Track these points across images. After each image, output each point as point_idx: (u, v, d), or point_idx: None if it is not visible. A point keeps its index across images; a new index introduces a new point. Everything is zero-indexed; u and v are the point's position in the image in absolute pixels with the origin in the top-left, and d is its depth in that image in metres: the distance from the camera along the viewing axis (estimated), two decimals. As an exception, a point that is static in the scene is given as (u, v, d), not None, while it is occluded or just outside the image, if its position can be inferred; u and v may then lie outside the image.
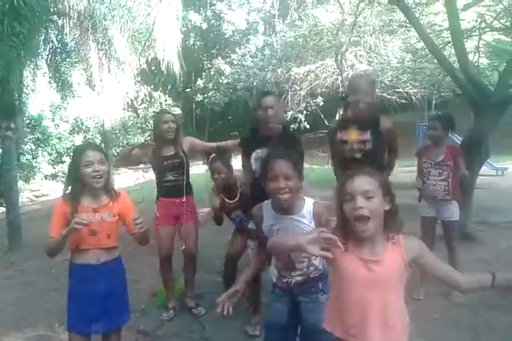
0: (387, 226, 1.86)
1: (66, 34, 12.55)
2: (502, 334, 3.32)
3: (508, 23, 7.57)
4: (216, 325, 3.84)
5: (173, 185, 4.22)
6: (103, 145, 16.00)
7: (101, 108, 14.26)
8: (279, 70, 21.22)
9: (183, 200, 4.21)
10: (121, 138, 21.16)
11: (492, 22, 7.77)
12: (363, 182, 1.83)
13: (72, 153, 3.02)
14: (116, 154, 15.68)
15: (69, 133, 19.74)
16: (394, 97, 19.99)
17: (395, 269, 1.82)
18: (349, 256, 1.84)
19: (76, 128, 20.18)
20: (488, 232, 6.16)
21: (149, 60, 16.89)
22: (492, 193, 9.34)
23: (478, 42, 8.68)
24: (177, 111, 23.67)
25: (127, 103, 20.40)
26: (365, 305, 1.79)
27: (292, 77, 20.67)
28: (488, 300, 3.80)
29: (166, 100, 23.83)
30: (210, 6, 24.05)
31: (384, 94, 20.15)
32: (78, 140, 19.63)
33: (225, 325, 3.72)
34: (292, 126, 22.09)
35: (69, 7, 12.04)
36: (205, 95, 23.57)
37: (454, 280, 1.85)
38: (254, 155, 3.66)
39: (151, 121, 22.95)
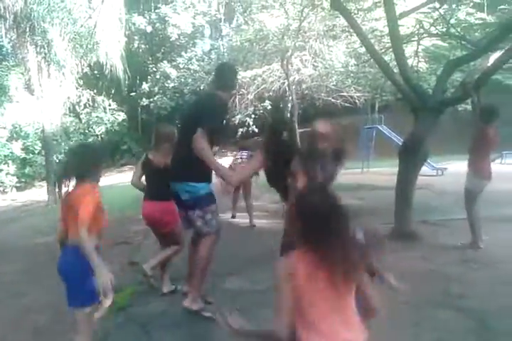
0: None
1: (1, 36, 11.98)
2: (445, 330, 3.39)
3: (445, 29, 7.87)
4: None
5: None
6: (43, 152, 15.39)
7: (41, 113, 13.64)
8: (226, 74, 21.17)
9: None
10: (63, 144, 20.39)
11: (429, 28, 8.05)
12: None
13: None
14: (57, 161, 15.06)
15: (6, 140, 18.84)
16: (339, 101, 20.43)
17: None
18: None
19: (14, 135, 19.29)
20: (428, 230, 6.34)
21: (92, 64, 16.41)
22: (432, 193, 9.67)
23: (417, 48, 9.00)
24: (122, 115, 23.13)
25: (69, 108, 19.72)
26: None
27: (239, 80, 20.68)
28: (431, 298, 3.88)
29: (110, 105, 23.21)
30: (154, 9, 23.70)
31: (329, 98, 20.56)
32: (16, 147, 18.76)
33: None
34: (241, 129, 22.14)
35: (4, 8, 11.51)
36: (151, 99, 23.19)
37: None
38: None
39: (95, 126, 22.52)
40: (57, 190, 2.90)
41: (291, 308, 1.74)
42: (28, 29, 12.37)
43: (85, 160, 2.86)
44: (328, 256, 1.71)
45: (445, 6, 8.56)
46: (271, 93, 20.87)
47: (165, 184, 3.87)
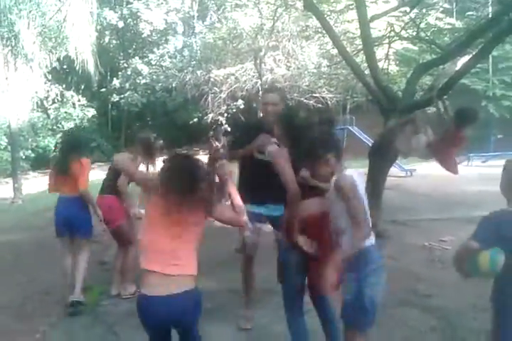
0: None
1: (-35, 27, 11.58)
2: (411, 329, 3.45)
3: (415, 33, 8.02)
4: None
5: None
6: (9, 147, 14.96)
7: (7, 108, 13.24)
8: (198, 72, 21.09)
9: None
10: (30, 140, 19.85)
11: (400, 31, 8.19)
12: None
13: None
14: (24, 157, 14.68)
15: (-30, 135, 18.24)
16: (311, 102, 20.57)
17: None
18: None
19: (-22, 130, 18.68)
20: (397, 230, 6.46)
21: (61, 58, 16.03)
22: (401, 193, 9.86)
23: (388, 50, 9.14)
24: (91, 111, 22.69)
25: (36, 103, 19.19)
26: None
27: (212, 79, 20.63)
28: (398, 296, 3.95)
29: (79, 100, 22.70)
30: (126, 5, 23.32)
31: (302, 99, 20.70)
32: (-20, 143, 18.18)
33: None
34: (213, 128, 22.06)
35: (-32, -2, 11.15)
36: (122, 95, 22.83)
37: None
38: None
39: (63, 122, 22.00)
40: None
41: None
42: (-7, 21, 12.02)
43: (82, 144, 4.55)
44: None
45: (415, 11, 8.70)
46: (244, 92, 20.87)
47: (111, 179, 4.23)
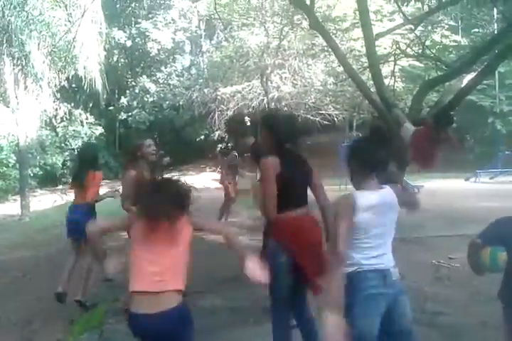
0: None
1: (-23, 48, 11.81)
2: None
3: (420, 51, 8.08)
4: None
5: None
6: (18, 165, 15.07)
7: (16, 126, 13.40)
8: (205, 90, 21.26)
9: None
10: (38, 157, 20.00)
11: (406, 49, 8.25)
12: None
13: None
14: (32, 175, 14.78)
15: (-20, 153, 18.38)
16: (317, 119, 20.63)
17: None
18: None
19: (-12, 147, 18.84)
20: (405, 248, 6.36)
21: (70, 77, 16.26)
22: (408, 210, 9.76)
23: (394, 68, 9.19)
24: (99, 129, 22.89)
25: (45, 121, 19.41)
26: None
27: (219, 97, 20.78)
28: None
29: (87, 118, 22.93)
30: (134, 24, 23.75)
31: (308, 116, 20.77)
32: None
33: None
34: (220, 145, 22.13)
35: (-20, 20, 11.39)
36: (130, 113, 23.05)
37: None
38: None
39: (71, 140, 22.20)
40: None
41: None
42: (4, 41, 12.22)
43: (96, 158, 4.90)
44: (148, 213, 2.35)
45: (421, 28, 8.80)
46: (250, 109, 20.99)
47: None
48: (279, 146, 2.91)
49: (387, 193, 2.45)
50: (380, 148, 2.46)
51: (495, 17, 12.81)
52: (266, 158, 2.85)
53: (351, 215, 2.31)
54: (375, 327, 2.30)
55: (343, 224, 2.31)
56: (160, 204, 2.30)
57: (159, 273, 2.29)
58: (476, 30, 16.66)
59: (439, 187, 12.63)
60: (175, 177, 2.58)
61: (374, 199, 2.37)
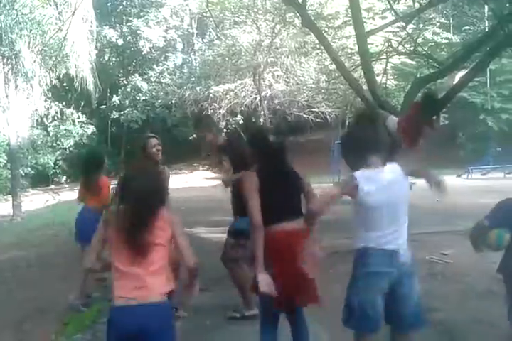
0: None
1: (-34, 46, 11.70)
2: None
3: (412, 48, 8.09)
4: None
5: None
6: (9, 165, 14.96)
7: (7, 125, 13.30)
8: (198, 88, 21.23)
9: None
10: (29, 157, 19.88)
11: (398, 46, 8.26)
12: None
13: None
14: (23, 174, 14.69)
15: (-30, 152, 18.24)
16: (310, 116, 20.67)
17: None
18: None
19: (-22, 147, 18.69)
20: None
21: (61, 76, 16.16)
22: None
23: (386, 65, 9.22)
24: (91, 128, 22.78)
25: (36, 120, 19.28)
26: None
27: (211, 95, 20.75)
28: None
29: (79, 117, 22.82)
30: (126, 23, 23.62)
31: (301, 114, 20.80)
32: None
33: None
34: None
35: (-31, 18, 11.28)
36: (122, 112, 22.96)
37: None
38: None
39: (63, 140, 22.06)
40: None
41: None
42: (-6, 40, 12.15)
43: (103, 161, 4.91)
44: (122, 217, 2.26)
45: (412, 26, 8.81)
46: (243, 108, 20.98)
47: None
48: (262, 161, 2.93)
49: (392, 170, 2.47)
50: (368, 128, 2.49)
51: (486, 14, 12.87)
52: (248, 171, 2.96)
53: (348, 190, 2.39)
54: (376, 303, 2.36)
55: (335, 190, 2.51)
56: (142, 195, 2.26)
57: (141, 279, 2.26)
58: (467, 27, 16.74)
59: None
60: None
61: (377, 176, 2.41)
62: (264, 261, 2.64)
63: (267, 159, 2.88)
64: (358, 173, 2.38)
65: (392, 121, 5.40)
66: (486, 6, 9.77)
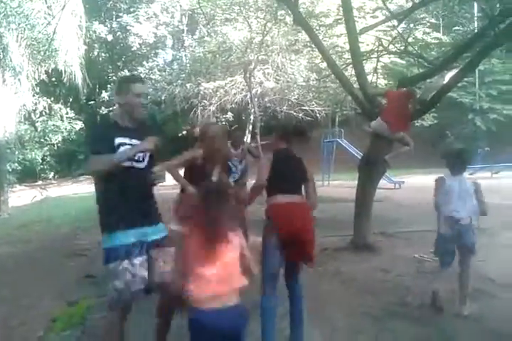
0: None
1: (-46, 40, 11.52)
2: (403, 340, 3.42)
3: (403, 47, 8.11)
4: None
5: None
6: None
7: (-6, 120, 13.15)
8: (188, 85, 21.15)
9: None
10: (17, 152, 19.65)
11: (388, 46, 8.28)
12: None
13: None
14: (11, 170, 14.52)
15: (-43, 148, 17.97)
16: (300, 115, 20.69)
17: None
18: None
19: (-36, 142, 18.43)
20: (386, 242, 6.45)
21: (50, 71, 15.98)
22: (390, 205, 9.87)
23: (377, 64, 9.23)
24: (79, 124, 22.60)
25: (24, 115, 19.05)
26: None
27: (202, 92, 20.69)
28: (389, 308, 3.92)
29: (67, 113, 22.64)
30: (116, 18, 23.46)
31: (291, 112, 20.81)
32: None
33: None
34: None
35: (-43, 11, 11.11)
36: (110, 108, 22.80)
37: None
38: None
39: (51, 135, 21.86)
40: None
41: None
42: (-19, 33, 11.99)
43: None
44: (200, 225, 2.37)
45: (403, 25, 8.84)
46: (233, 105, 20.95)
47: None
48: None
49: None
50: None
51: (475, 15, 12.98)
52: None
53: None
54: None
55: None
56: (221, 206, 2.40)
57: (220, 279, 2.37)
58: (457, 28, 16.87)
59: (420, 183, 12.76)
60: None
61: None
62: (269, 225, 3.15)
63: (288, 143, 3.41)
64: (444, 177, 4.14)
65: (377, 123, 5.61)
66: (476, 8, 9.82)
